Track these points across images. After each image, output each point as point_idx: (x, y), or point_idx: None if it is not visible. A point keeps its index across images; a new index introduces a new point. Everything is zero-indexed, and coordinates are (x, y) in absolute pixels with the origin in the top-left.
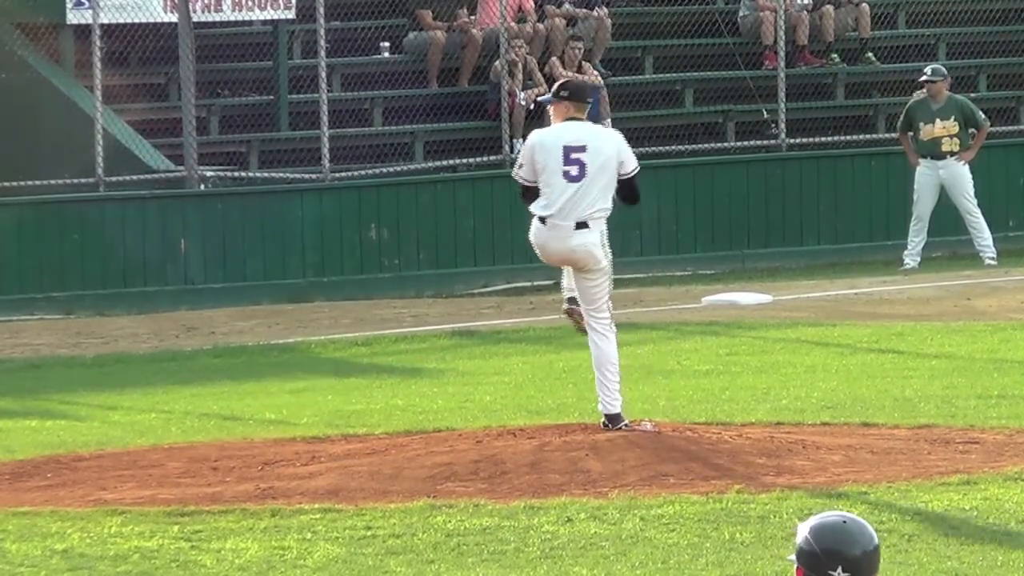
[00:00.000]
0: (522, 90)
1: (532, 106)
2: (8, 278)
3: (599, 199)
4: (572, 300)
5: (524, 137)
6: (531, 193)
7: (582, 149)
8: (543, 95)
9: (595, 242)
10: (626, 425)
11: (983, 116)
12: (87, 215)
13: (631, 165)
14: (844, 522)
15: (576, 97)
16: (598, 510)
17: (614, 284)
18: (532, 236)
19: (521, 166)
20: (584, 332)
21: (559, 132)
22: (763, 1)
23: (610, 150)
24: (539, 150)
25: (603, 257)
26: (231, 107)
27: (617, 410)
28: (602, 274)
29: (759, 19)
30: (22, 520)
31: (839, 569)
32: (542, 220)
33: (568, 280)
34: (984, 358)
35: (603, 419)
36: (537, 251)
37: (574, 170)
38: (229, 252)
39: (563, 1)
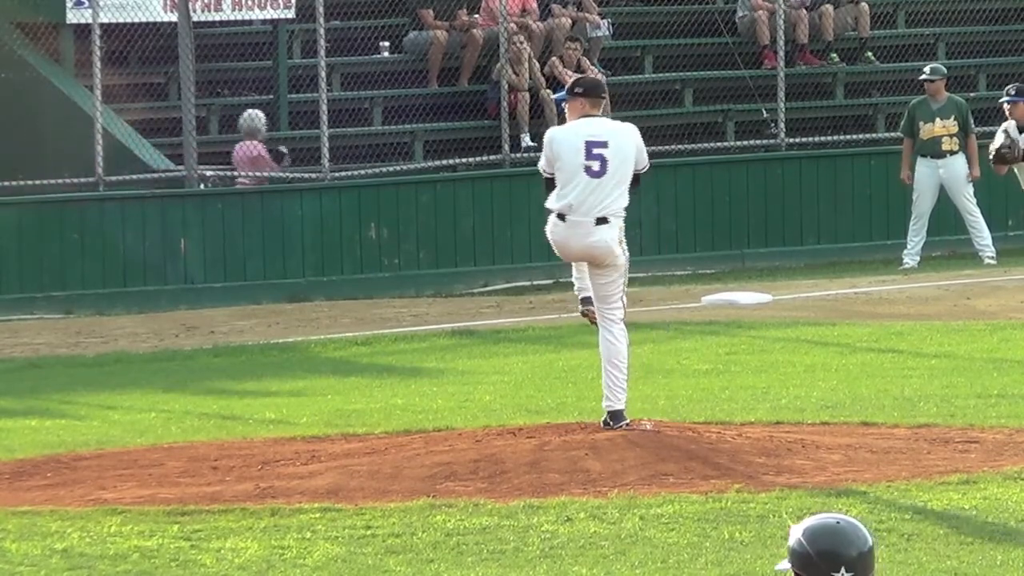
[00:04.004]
0: (527, 90)
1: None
2: (8, 278)
3: (619, 195)
4: (586, 300)
5: (531, 135)
6: (553, 186)
7: (604, 145)
8: (559, 93)
9: (614, 238)
10: (627, 424)
11: (972, 125)
12: (87, 215)
13: (645, 161)
14: (838, 523)
15: (591, 93)
16: (598, 509)
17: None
18: (550, 233)
19: (544, 161)
20: None
21: (578, 128)
22: (757, 1)
23: (630, 147)
24: (559, 144)
25: (621, 254)
26: (231, 107)
27: (621, 407)
28: (618, 271)
29: (755, 19)
30: (22, 519)
31: (842, 570)
32: (560, 217)
33: (581, 279)
34: (984, 357)
35: (604, 416)
36: (555, 248)
37: (596, 165)
38: (229, 252)
39: (568, 1)
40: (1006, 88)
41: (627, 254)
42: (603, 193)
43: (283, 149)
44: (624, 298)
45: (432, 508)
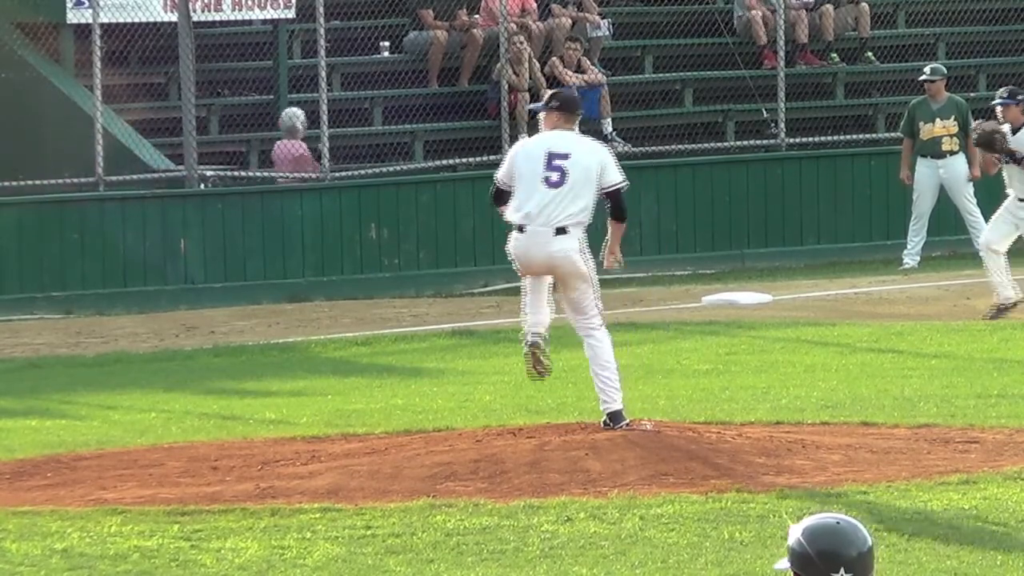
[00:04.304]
0: (527, 90)
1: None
2: (8, 278)
3: (580, 210)
4: (535, 341)
5: (529, 135)
6: (502, 197)
7: (565, 157)
8: (536, 104)
9: (574, 248)
10: (627, 424)
11: (973, 125)
12: (87, 215)
13: (614, 179)
14: (838, 523)
15: (566, 108)
16: (598, 509)
17: (613, 284)
18: (512, 248)
19: (503, 168)
20: (535, 376)
21: (544, 139)
22: (752, 0)
23: (592, 161)
24: (522, 156)
25: (583, 264)
26: (231, 107)
27: (619, 407)
28: (585, 281)
29: (751, 18)
30: (22, 519)
31: (841, 570)
32: (520, 229)
33: (534, 313)
34: (984, 358)
35: (604, 418)
36: (517, 262)
37: (555, 176)
38: (229, 252)
39: (568, 1)
40: (999, 91)
41: (592, 264)
42: (562, 204)
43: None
44: (599, 303)
45: (432, 508)
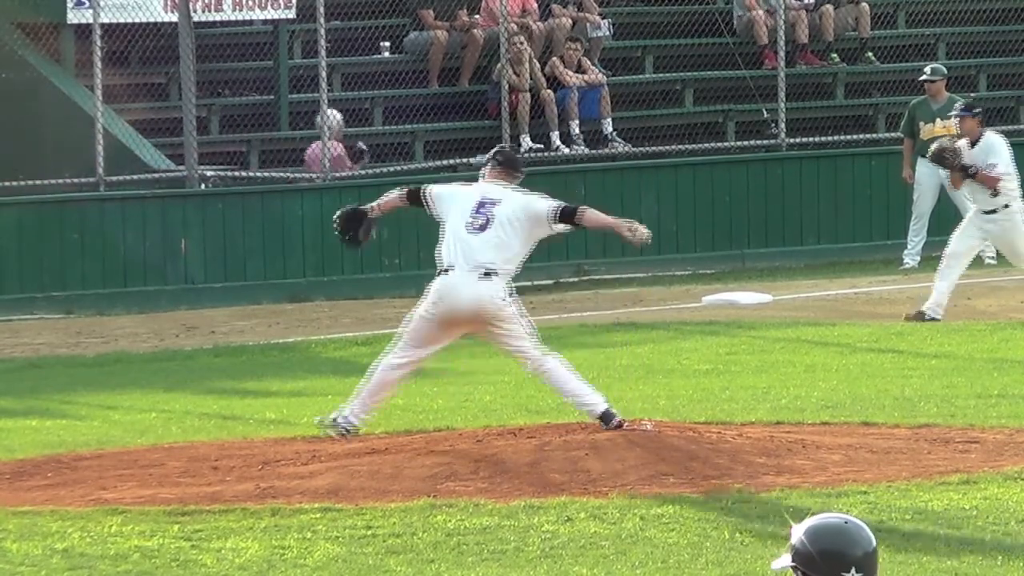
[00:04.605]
0: (527, 90)
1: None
2: (8, 278)
3: (504, 256)
4: (343, 435)
5: (531, 135)
6: (416, 198)
7: (495, 203)
8: (481, 157)
9: (499, 296)
10: (619, 420)
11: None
12: (87, 215)
13: (546, 206)
14: (845, 523)
15: (507, 166)
16: (598, 509)
17: (613, 284)
18: (435, 292)
19: (440, 188)
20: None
21: (480, 187)
22: (751, 1)
23: (517, 207)
24: (458, 198)
25: (508, 307)
26: (231, 107)
27: (604, 407)
28: (513, 321)
29: (751, 19)
30: (22, 519)
31: (852, 570)
32: (446, 271)
33: (363, 403)
34: (984, 358)
35: (600, 424)
36: (440, 308)
37: (479, 221)
38: (229, 252)
39: (568, 1)
40: (956, 104)
41: (518, 305)
42: (485, 250)
43: (363, 146)
44: (534, 333)
45: (433, 508)
